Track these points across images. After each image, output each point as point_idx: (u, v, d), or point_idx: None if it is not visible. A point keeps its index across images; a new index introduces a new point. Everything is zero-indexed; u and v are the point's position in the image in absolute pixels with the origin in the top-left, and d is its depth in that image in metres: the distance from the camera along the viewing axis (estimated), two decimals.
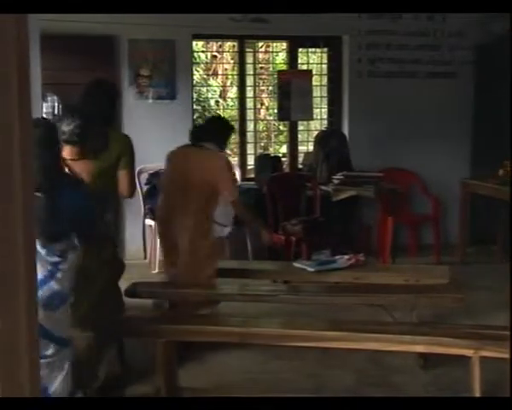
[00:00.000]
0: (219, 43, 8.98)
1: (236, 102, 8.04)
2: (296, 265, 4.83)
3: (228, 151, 8.57)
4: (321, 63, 8.10)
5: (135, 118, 7.02)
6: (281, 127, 9.64)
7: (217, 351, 4.65)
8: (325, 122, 8.08)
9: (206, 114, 9.86)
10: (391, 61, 7.65)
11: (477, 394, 3.53)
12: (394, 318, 4.54)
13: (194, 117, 7.82)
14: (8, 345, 1.30)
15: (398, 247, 7.01)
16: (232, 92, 9.35)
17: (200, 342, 4.36)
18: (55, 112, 6.42)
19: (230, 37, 7.80)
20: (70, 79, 6.22)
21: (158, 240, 6.63)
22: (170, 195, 4.73)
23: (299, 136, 8.17)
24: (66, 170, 3.81)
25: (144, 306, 4.80)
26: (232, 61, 8.84)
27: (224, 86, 10.27)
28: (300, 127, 8.29)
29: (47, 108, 6.38)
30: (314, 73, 7.97)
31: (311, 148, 7.86)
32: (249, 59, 7.95)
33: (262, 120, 9.72)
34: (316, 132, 7.88)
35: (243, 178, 7.59)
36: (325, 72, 7.98)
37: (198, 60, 9.25)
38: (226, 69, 9.85)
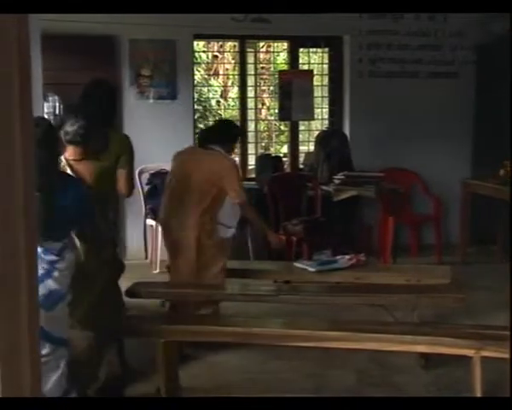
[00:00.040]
0: (220, 43, 8.98)
1: (237, 102, 8.04)
2: (297, 265, 4.83)
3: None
4: (322, 63, 8.10)
5: (136, 118, 7.02)
6: (282, 127, 9.64)
7: (217, 351, 4.65)
8: (326, 122, 8.07)
9: (207, 114, 9.88)
10: (392, 61, 7.65)
11: (478, 394, 3.53)
12: (395, 318, 4.54)
13: (196, 117, 7.82)
14: (10, 345, 1.30)
15: (399, 247, 7.00)
16: (233, 92, 9.35)
17: (201, 342, 4.37)
18: (57, 112, 6.43)
19: (231, 37, 7.80)
20: (71, 79, 6.22)
21: (159, 240, 6.66)
22: (174, 194, 4.73)
23: (300, 136, 8.17)
24: (69, 170, 3.82)
25: (145, 306, 4.80)
26: (233, 61, 8.85)
27: (225, 86, 10.26)
28: (301, 127, 8.29)
29: (48, 108, 6.39)
30: (315, 73, 7.97)
31: (311, 148, 7.86)
32: (250, 59, 7.95)
33: (263, 120, 9.72)
34: (317, 132, 7.88)
35: (244, 178, 7.59)
36: (326, 72, 7.98)
37: (199, 60, 9.24)
38: (227, 69, 9.85)
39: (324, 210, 7.00)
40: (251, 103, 7.94)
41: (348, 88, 7.70)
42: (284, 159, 8.07)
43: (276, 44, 8.84)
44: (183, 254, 4.63)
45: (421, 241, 7.50)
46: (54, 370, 3.22)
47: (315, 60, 8.41)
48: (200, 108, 9.39)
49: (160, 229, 6.61)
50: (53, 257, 3.19)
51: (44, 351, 3.13)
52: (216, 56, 9.97)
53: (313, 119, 8.11)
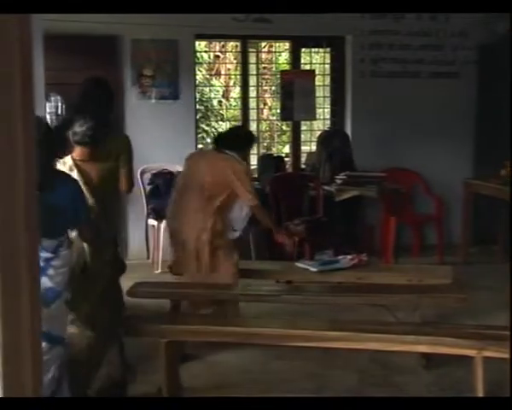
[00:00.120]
0: (222, 43, 8.98)
1: (239, 102, 8.04)
2: (299, 265, 4.83)
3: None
4: (324, 63, 8.10)
5: (138, 118, 7.02)
6: (284, 127, 9.64)
7: (218, 351, 4.66)
8: (328, 122, 8.07)
9: (209, 114, 9.89)
10: (394, 61, 7.64)
11: (480, 394, 3.53)
12: (397, 318, 4.53)
13: (197, 117, 7.82)
14: (11, 345, 1.30)
15: (400, 247, 7.00)
16: (235, 92, 9.35)
17: (202, 342, 4.37)
18: (59, 112, 6.43)
19: (233, 37, 7.80)
20: (73, 79, 6.20)
21: (161, 240, 6.67)
22: (184, 195, 4.75)
23: (302, 136, 8.17)
24: (76, 170, 3.83)
25: (146, 306, 4.80)
26: (235, 61, 8.85)
27: (226, 86, 10.27)
28: (303, 127, 8.28)
29: (50, 107, 6.39)
30: (317, 73, 7.97)
31: (313, 148, 7.86)
32: (252, 59, 7.95)
33: (265, 120, 9.72)
34: (319, 132, 7.88)
35: None
36: (328, 72, 7.98)
37: (201, 60, 9.25)
38: (229, 69, 9.86)
39: (326, 210, 7.00)
40: (253, 103, 7.94)
41: (350, 88, 7.70)
42: (286, 159, 8.07)
43: (277, 44, 8.85)
44: (194, 254, 4.64)
45: (423, 241, 7.50)
46: (49, 368, 3.22)
47: (317, 60, 8.41)
48: (201, 108, 9.40)
49: (161, 229, 6.65)
50: (48, 254, 3.20)
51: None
52: (218, 56, 9.98)
53: (315, 119, 8.10)
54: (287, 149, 8.84)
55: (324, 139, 7.47)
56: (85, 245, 3.78)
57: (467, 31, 7.68)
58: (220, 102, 10.44)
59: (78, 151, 3.89)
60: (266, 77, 9.24)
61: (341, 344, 3.82)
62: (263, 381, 4.34)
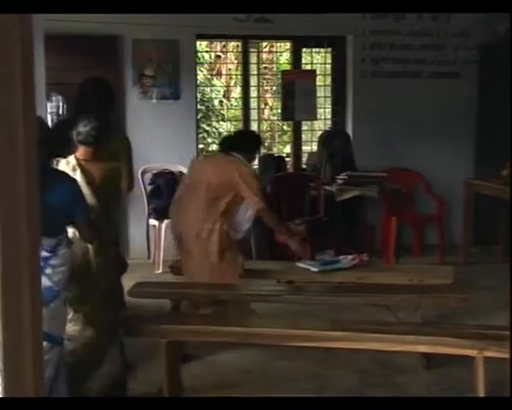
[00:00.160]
0: (223, 43, 8.98)
1: (240, 102, 8.04)
2: (300, 265, 4.83)
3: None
4: (325, 63, 8.10)
5: (139, 118, 7.02)
6: (284, 127, 9.64)
7: (219, 351, 4.66)
8: (329, 122, 8.07)
9: (210, 114, 9.89)
10: (395, 61, 7.64)
11: (481, 394, 3.53)
12: (398, 318, 4.53)
13: (198, 117, 7.82)
14: (13, 345, 1.30)
15: (401, 247, 7.00)
16: (236, 92, 9.35)
17: (203, 342, 4.37)
18: (60, 112, 6.44)
19: (234, 37, 7.81)
20: (74, 78, 6.20)
21: (162, 239, 6.67)
22: (189, 195, 4.76)
23: (303, 136, 8.17)
24: (79, 170, 3.84)
25: (147, 306, 4.81)
26: (236, 61, 8.85)
27: (227, 86, 10.27)
28: (304, 127, 8.28)
29: (51, 107, 6.40)
30: (318, 73, 7.96)
31: (314, 148, 7.86)
32: (253, 59, 7.95)
33: (266, 120, 9.72)
34: (320, 132, 7.88)
35: None
36: (329, 72, 7.98)
37: (202, 60, 9.25)
38: (230, 69, 9.86)
39: (327, 210, 7.00)
40: (254, 103, 7.94)
41: (351, 88, 7.70)
42: (287, 159, 8.07)
43: (278, 44, 8.84)
44: (200, 255, 4.65)
45: (424, 241, 7.50)
46: (45, 370, 3.22)
47: (318, 60, 8.41)
48: (202, 108, 9.40)
49: (162, 228, 6.66)
50: (46, 253, 3.21)
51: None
52: (219, 56, 9.98)
53: (316, 119, 8.10)
54: (288, 149, 8.84)
55: (325, 139, 7.47)
56: (89, 244, 3.80)
57: (468, 31, 7.67)
58: (221, 102, 10.44)
59: (81, 151, 3.92)
60: (267, 77, 9.25)
61: (342, 344, 3.82)
62: (263, 381, 4.34)
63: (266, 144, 9.17)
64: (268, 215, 4.94)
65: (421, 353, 4.35)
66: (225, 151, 4.91)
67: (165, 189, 6.68)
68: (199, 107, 8.10)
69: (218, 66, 10.23)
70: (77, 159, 3.89)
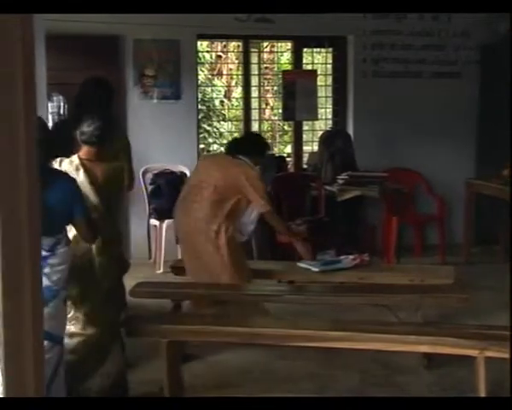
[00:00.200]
0: (224, 43, 8.98)
1: (241, 102, 8.04)
2: (301, 265, 4.83)
3: None
4: (326, 63, 8.10)
5: (139, 118, 7.02)
6: (285, 127, 9.65)
7: (220, 351, 4.66)
8: (330, 122, 8.07)
9: (211, 114, 9.89)
10: (396, 61, 7.64)
11: (482, 394, 3.52)
12: (399, 318, 4.53)
13: (199, 117, 7.83)
14: (14, 345, 1.30)
15: (402, 247, 7.00)
16: (237, 92, 9.36)
17: (203, 342, 4.37)
18: (61, 112, 6.44)
19: (235, 37, 7.81)
20: (75, 78, 6.22)
21: (163, 240, 6.67)
22: (194, 196, 4.76)
23: (304, 136, 8.17)
24: (82, 170, 3.85)
25: (148, 306, 4.81)
26: (237, 61, 8.85)
27: (228, 86, 10.27)
28: (305, 127, 8.28)
29: (52, 107, 6.39)
30: (319, 73, 7.96)
31: (315, 148, 7.86)
32: (254, 59, 7.96)
33: (267, 120, 9.73)
34: (320, 132, 7.88)
35: None
36: (330, 72, 7.98)
37: (203, 60, 9.26)
38: (231, 69, 9.86)
39: (328, 210, 7.00)
40: (254, 103, 7.94)
41: (352, 88, 7.70)
42: (288, 159, 8.07)
43: (279, 44, 8.84)
44: (211, 255, 4.65)
45: (425, 241, 7.50)
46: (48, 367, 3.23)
47: (319, 60, 8.41)
48: (203, 108, 9.40)
49: (163, 228, 6.66)
50: (44, 253, 3.21)
51: None
52: (219, 56, 9.98)
53: (317, 119, 8.10)
54: (288, 149, 8.84)
55: (326, 139, 7.47)
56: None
57: (469, 31, 7.67)
58: (222, 102, 10.45)
59: (84, 150, 3.93)
60: (268, 77, 9.25)
61: (343, 344, 3.81)
62: (264, 381, 4.34)
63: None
64: (275, 218, 4.96)
65: (422, 353, 4.35)
66: (232, 154, 4.92)
67: (166, 189, 6.69)
68: (200, 107, 8.10)
69: (218, 66, 10.24)
70: (80, 158, 3.90)
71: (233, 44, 8.49)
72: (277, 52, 9.40)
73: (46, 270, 3.24)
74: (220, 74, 10.41)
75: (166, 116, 7.14)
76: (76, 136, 3.91)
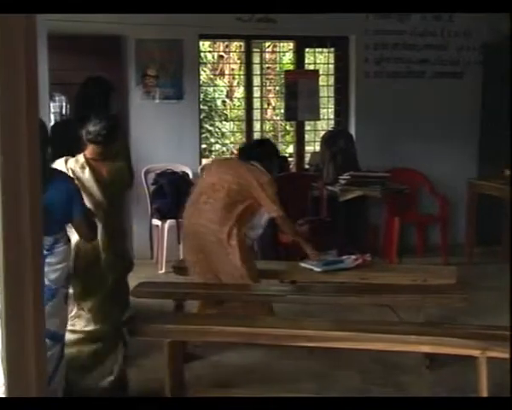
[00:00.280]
0: (226, 43, 8.99)
1: (243, 102, 8.04)
2: (303, 265, 4.82)
3: (235, 151, 8.61)
4: (328, 63, 8.10)
5: (142, 118, 7.03)
6: (287, 127, 9.65)
7: (222, 350, 4.66)
8: (332, 122, 8.07)
9: (213, 114, 9.89)
10: (398, 60, 7.64)
11: (484, 394, 3.52)
12: (401, 318, 4.53)
13: (201, 117, 7.83)
14: (16, 346, 1.30)
15: (405, 247, 7.00)
16: (239, 92, 9.36)
17: (205, 341, 4.37)
18: (63, 112, 6.45)
19: (237, 37, 7.81)
20: (77, 78, 6.22)
21: (165, 240, 6.67)
22: (206, 198, 4.77)
23: (306, 136, 8.17)
24: (88, 168, 3.87)
25: (150, 306, 4.81)
26: (239, 61, 8.86)
27: (230, 86, 10.28)
28: (307, 127, 8.28)
29: (55, 107, 6.41)
30: (321, 73, 7.97)
31: (317, 148, 7.86)
32: (256, 59, 7.96)
33: (269, 120, 9.73)
34: (322, 132, 7.88)
35: None
36: (332, 72, 7.97)
37: (205, 60, 9.26)
38: (233, 69, 9.87)
39: (330, 210, 7.00)
40: (257, 103, 7.94)
41: (354, 88, 7.69)
42: (290, 159, 8.07)
43: (281, 44, 8.84)
44: (223, 256, 4.66)
45: (427, 241, 7.50)
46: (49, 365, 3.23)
47: (321, 60, 8.41)
48: (205, 108, 9.41)
49: (165, 229, 6.66)
50: (43, 252, 3.22)
51: None
52: (222, 56, 9.99)
53: (319, 119, 8.10)
54: (290, 149, 8.84)
55: (328, 139, 7.46)
56: (99, 240, 3.81)
57: (471, 31, 7.67)
58: (224, 102, 10.45)
59: (90, 149, 3.96)
60: (270, 77, 9.25)
61: (345, 344, 3.81)
62: (266, 381, 4.34)
63: None
64: (286, 223, 4.97)
65: (423, 353, 4.35)
66: (244, 160, 4.95)
67: (168, 189, 6.69)
68: (202, 107, 8.11)
69: (220, 66, 10.24)
70: (86, 157, 3.94)
71: (235, 44, 8.49)
72: (279, 52, 9.40)
73: (44, 269, 3.25)
74: (222, 74, 10.42)
75: (168, 116, 7.14)
76: (82, 135, 3.93)
